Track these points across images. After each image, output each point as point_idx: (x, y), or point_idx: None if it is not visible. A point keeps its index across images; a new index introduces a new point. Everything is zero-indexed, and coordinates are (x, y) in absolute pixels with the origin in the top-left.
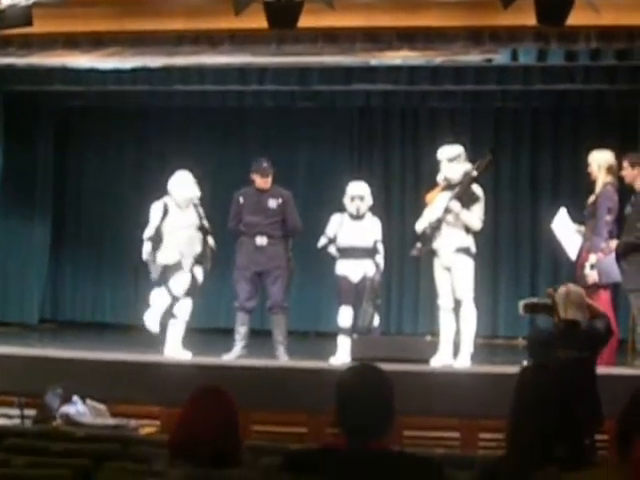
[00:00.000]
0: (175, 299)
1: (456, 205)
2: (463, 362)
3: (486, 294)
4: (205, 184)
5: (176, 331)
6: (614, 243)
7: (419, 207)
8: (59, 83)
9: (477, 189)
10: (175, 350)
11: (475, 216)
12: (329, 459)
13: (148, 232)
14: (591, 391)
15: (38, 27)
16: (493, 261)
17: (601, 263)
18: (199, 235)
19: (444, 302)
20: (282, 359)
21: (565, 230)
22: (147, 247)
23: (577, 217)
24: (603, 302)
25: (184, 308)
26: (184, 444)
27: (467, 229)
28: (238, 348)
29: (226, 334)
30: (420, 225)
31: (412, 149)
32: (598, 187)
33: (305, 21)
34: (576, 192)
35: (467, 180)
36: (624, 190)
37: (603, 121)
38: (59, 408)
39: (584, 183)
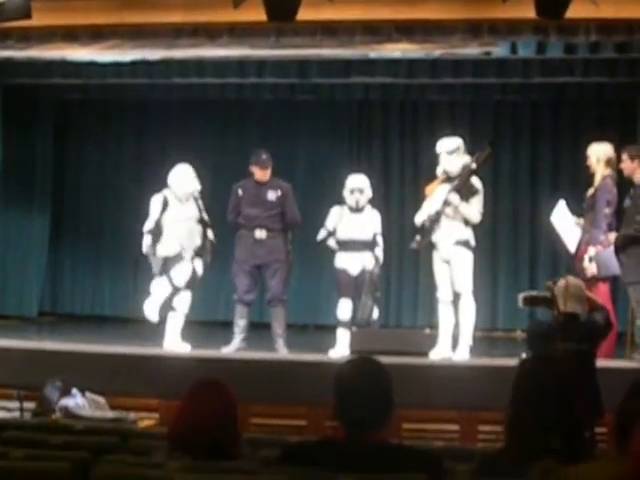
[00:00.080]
0: (176, 289)
1: (455, 198)
2: (462, 355)
3: (485, 287)
4: (204, 177)
5: (175, 324)
6: (613, 236)
7: (418, 200)
8: (58, 76)
9: (476, 182)
10: (174, 343)
11: (474, 209)
12: (328, 452)
13: (148, 225)
14: (591, 384)
15: (37, 20)
16: (492, 254)
17: (600, 256)
18: (199, 228)
19: (443, 295)
20: (281, 352)
21: (564, 222)
22: (147, 240)
23: (576, 210)
24: (602, 295)
25: (183, 301)
26: (183, 436)
27: (466, 222)
28: (237, 341)
29: (225, 327)
30: (419, 218)
31: (411, 142)
32: (597, 180)
33: (304, 14)
34: (575, 185)
35: (466, 173)
36: (623, 183)
37: (602, 114)
38: (58, 401)
39: (583, 176)
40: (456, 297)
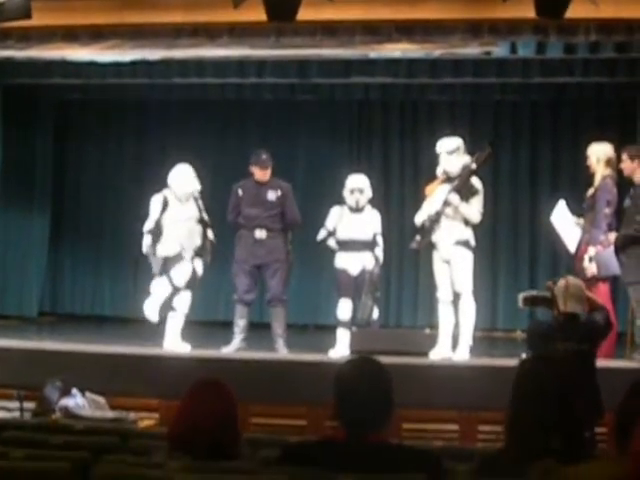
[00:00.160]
0: (176, 289)
1: (455, 198)
2: (462, 355)
3: (485, 287)
4: (204, 176)
5: (175, 324)
6: (613, 236)
7: (418, 200)
8: (58, 76)
9: (476, 182)
10: (174, 343)
11: (474, 209)
12: (328, 452)
13: (148, 225)
14: (591, 384)
15: (37, 20)
16: (492, 254)
17: (600, 256)
18: (199, 228)
19: (443, 295)
20: (281, 352)
21: (564, 222)
22: (147, 240)
23: (576, 210)
24: (602, 295)
25: (184, 301)
26: (183, 436)
27: (466, 222)
28: (237, 341)
29: (225, 327)
30: (419, 218)
31: (411, 142)
32: (597, 180)
33: (304, 14)
34: (575, 185)
35: (466, 173)
36: (623, 183)
37: (602, 114)
38: (58, 401)
39: (583, 176)
40: (456, 297)
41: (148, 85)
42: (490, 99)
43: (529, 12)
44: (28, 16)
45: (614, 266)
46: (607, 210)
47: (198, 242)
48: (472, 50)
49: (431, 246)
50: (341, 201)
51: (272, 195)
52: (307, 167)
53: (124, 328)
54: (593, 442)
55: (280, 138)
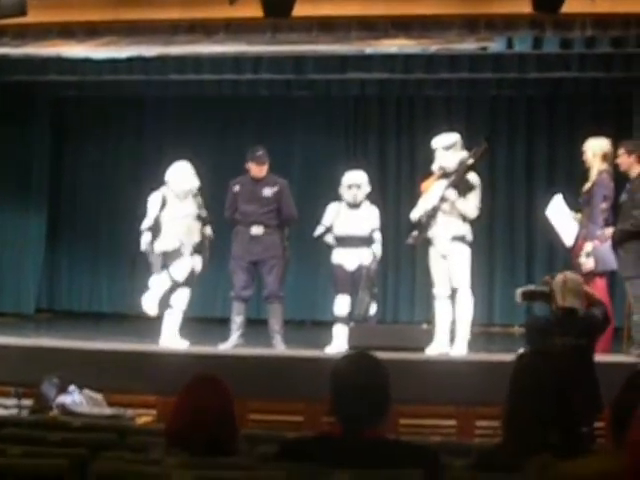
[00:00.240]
0: (175, 284)
1: (452, 193)
2: (459, 350)
3: (482, 282)
4: (201, 173)
5: (173, 321)
6: (610, 231)
7: (415, 196)
8: (54, 73)
9: (473, 177)
10: (171, 340)
11: (471, 204)
12: (325, 447)
13: (147, 223)
14: (589, 378)
15: (33, 17)
16: (489, 249)
17: (597, 251)
18: (197, 225)
19: (440, 290)
20: (278, 348)
21: (561, 216)
22: (146, 238)
23: (573, 205)
24: (599, 290)
25: (181, 298)
26: (180, 433)
27: (463, 217)
28: (234, 337)
29: (222, 323)
30: (416, 214)
31: (407, 137)
32: (593, 175)
33: (300, 10)
34: (571, 180)
35: (463, 168)
36: (619, 177)
37: (598, 109)
38: (56, 398)
39: (579, 171)
40: (453, 292)
41: (144, 82)
42: (486, 94)
43: (525, 7)
44: (24, 13)
45: (611, 261)
46: (604, 205)
47: (197, 239)
48: (468, 45)
49: (428, 242)
50: (337, 197)
51: (268, 191)
52: (303, 163)
53: (121, 325)
54: (592, 437)
55: (276, 134)
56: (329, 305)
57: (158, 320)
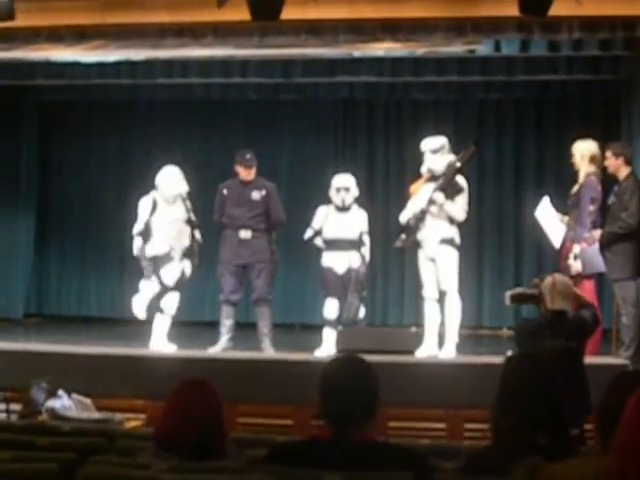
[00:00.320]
0: (165, 288)
1: (440, 196)
2: (448, 353)
3: (471, 285)
4: (189, 176)
5: (162, 325)
6: (598, 233)
7: (403, 199)
8: (42, 77)
9: (461, 180)
10: (160, 343)
11: (459, 207)
12: (314, 451)
13: (138, 227)
14: (579, 381)
15: (21, 21)
16: (477, 252)
17: (585, 253)
18: (187, 229)
19: (429, 293)
20: (267, 351)
21: (549, 218)
22: (138, 242)
23: (561, 207)
24: (587, 292)
25: (171, 302)
26: (169, 437)
27: (451, 220)
28: (223, 341)
29: (211, 327)
30: (404, 216)
31: (396, 141)
32: (581, 177)
33: (288, 13)
34: (560, 182)
35: (451, 171)
36: (608, 180)
37: (586, 111)
38: (44, 402)
39: (568, 173)
40: (442, 295)
41: (132, 85)
42: (474, 97)
43: (513, 10)
44: (11, 17)
45: (599, 263)
46: (591, 207)
47: (186, 243)
48: (456, 48)
49: (416, 244)
50: (325, 200)
51: (256, 195)
52: (292, 166)
53: (110, 329)
54: (581, 439)
55: (265, 137)
56: (318, 308)
57: (146, 324)
